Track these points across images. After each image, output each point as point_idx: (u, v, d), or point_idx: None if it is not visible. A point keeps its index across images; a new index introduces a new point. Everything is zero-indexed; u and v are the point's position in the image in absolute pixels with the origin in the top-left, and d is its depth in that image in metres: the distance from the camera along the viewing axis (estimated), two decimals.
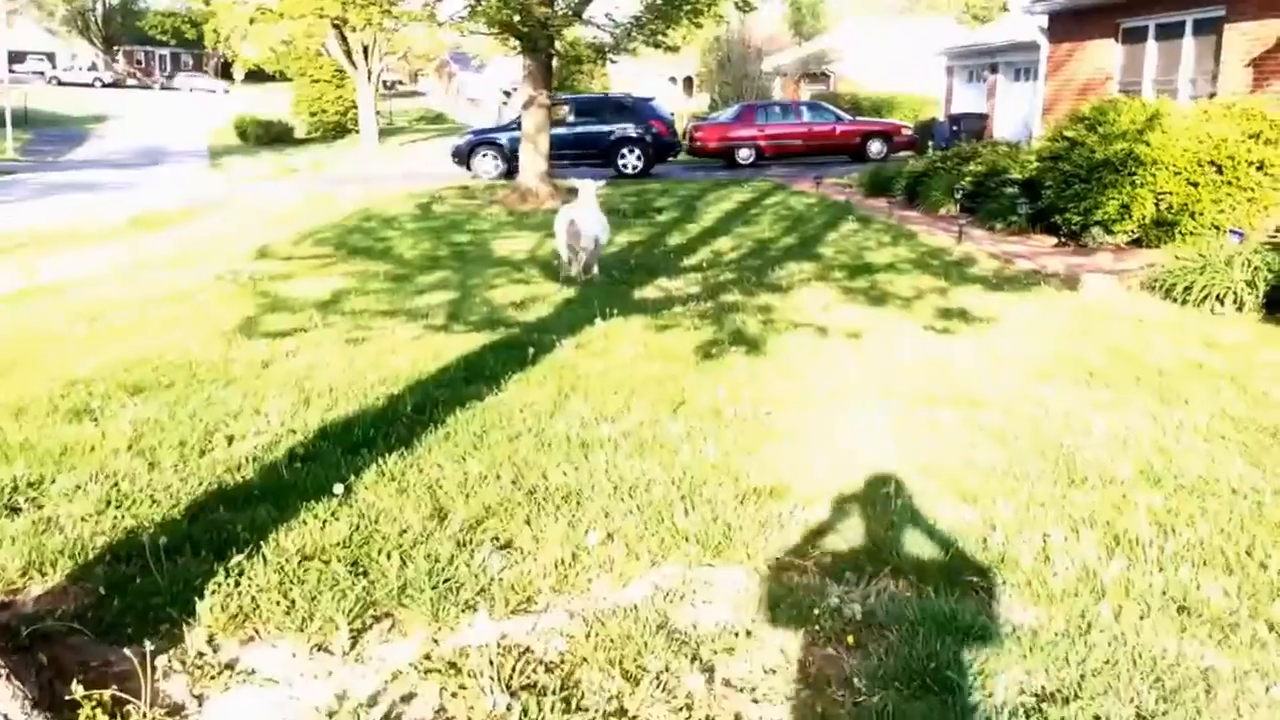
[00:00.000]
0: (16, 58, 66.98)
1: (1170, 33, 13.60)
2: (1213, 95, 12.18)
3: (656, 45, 15.27)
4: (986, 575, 3.32)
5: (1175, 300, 7.69)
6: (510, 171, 20.45)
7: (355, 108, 37.11)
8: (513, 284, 8.95)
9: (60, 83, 64.81)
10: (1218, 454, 4.33)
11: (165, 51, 77.99)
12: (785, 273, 9.46)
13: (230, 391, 5.43)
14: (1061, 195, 10.95)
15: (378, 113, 38.78)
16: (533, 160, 15.33)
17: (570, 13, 14.84)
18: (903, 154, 23.88)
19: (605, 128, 21.49)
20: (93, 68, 69.65)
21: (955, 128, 22.79)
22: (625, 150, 21.35)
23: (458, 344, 6.57)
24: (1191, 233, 10.10)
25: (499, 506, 3.87)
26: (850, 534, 3.64)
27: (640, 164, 21.35)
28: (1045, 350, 6.41)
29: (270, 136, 39.16)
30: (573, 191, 16.45)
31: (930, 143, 24.45)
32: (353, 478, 4.11)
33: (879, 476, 4.12)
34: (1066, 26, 15.83)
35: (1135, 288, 8.31)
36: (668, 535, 3.62)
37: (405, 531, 3.67)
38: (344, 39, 34.21)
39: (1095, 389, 5.48)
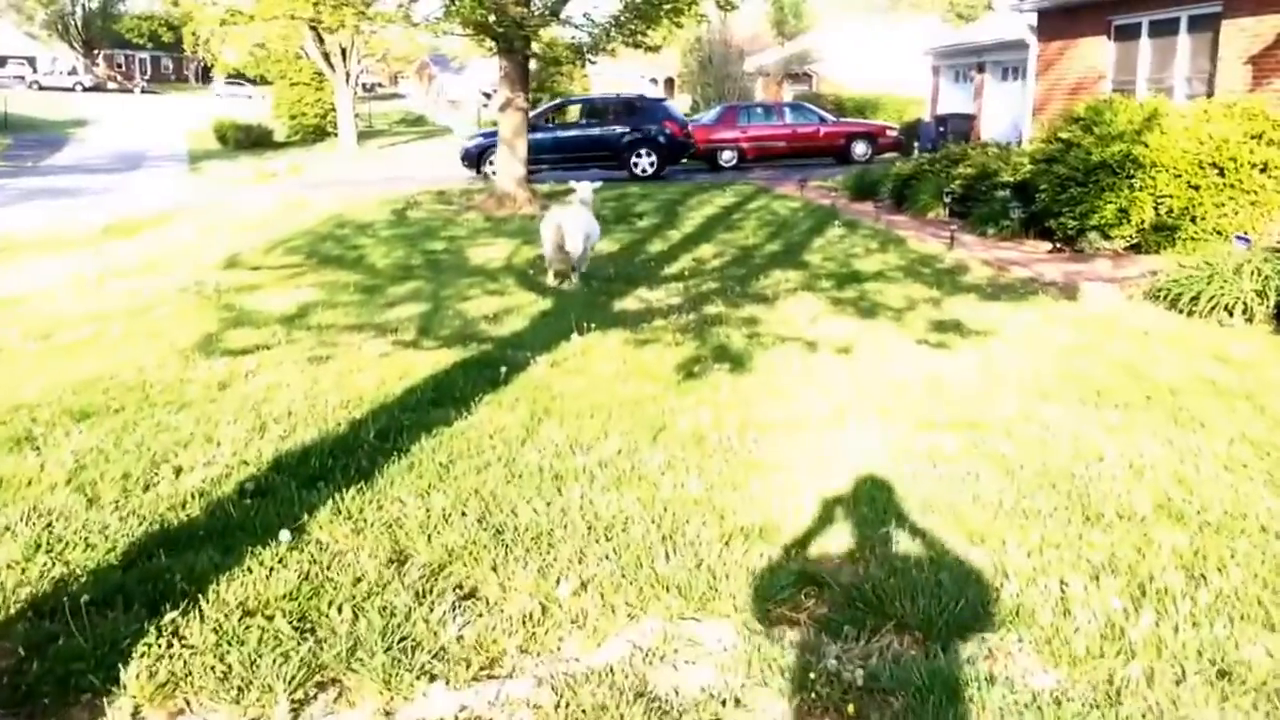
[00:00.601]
0: None
1: (1164, 29, 13.36)
2: (1210, 94, 11.94)
3: (636, 45, 14.94)
4: (1000, 631, 3.00)
5: (1181, 311, 7.41)
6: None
7: (335, 110, 36.66)
8: (487, 295, 8.60)
9: (41, 87, 64.14)
10: (1241, 485, 4.03)
11: (145, 55, 77.45)
12: (771, 282, 9.14)
13: (183, 417, 5.07)
14: (1056, 199, 10.68)
15: (357, 115, 38.33)
16: (510, 165, 14.96)
17: (547, 12, 14.49)
18: (888, 155, 23.67)
19: (617, 129, 20.91)
20: (73, 72, 68.93)
21: (941, 128, 22.55)
22: (638, 152, 20.74)
23: (427, 362, 6.22)
24: (1192, 238, 9.85)
25: (463, 549, 3.53)
26: (848, 580, 3.32)
27: (653, 166, 20.75)
28: (1047, 366, 6.11)
29: (250, 140, 38.60)
30: (551, 196, 16.30)
31: (915, 144, 24.25)
32: (306, 516, 3.76)
33: (878, 513, 3.80)
34: (1057, 24, 15.60)
35: (1138, 297, 8.03)
36: (647, 584, 3.29)
37: (360, 580, 3.33)
38: (321, 41, 33.78)
39: (1103, 410, 5.18)
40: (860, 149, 23.17)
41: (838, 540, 3.59)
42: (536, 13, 14.21)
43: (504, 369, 5.92)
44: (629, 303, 8.28)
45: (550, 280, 9.13)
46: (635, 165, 20.70)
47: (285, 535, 3.47)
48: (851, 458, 4.46)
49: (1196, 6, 12.81)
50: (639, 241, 11.65)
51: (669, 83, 46.22)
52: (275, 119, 41.32)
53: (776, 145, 23.30)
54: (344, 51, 34.77)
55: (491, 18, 13.56)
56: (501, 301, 8.29)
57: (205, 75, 71.20)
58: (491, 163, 20.22)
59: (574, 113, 22.25)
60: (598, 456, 4.49)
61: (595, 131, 20.99)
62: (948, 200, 13.33)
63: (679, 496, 3.96)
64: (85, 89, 66.03)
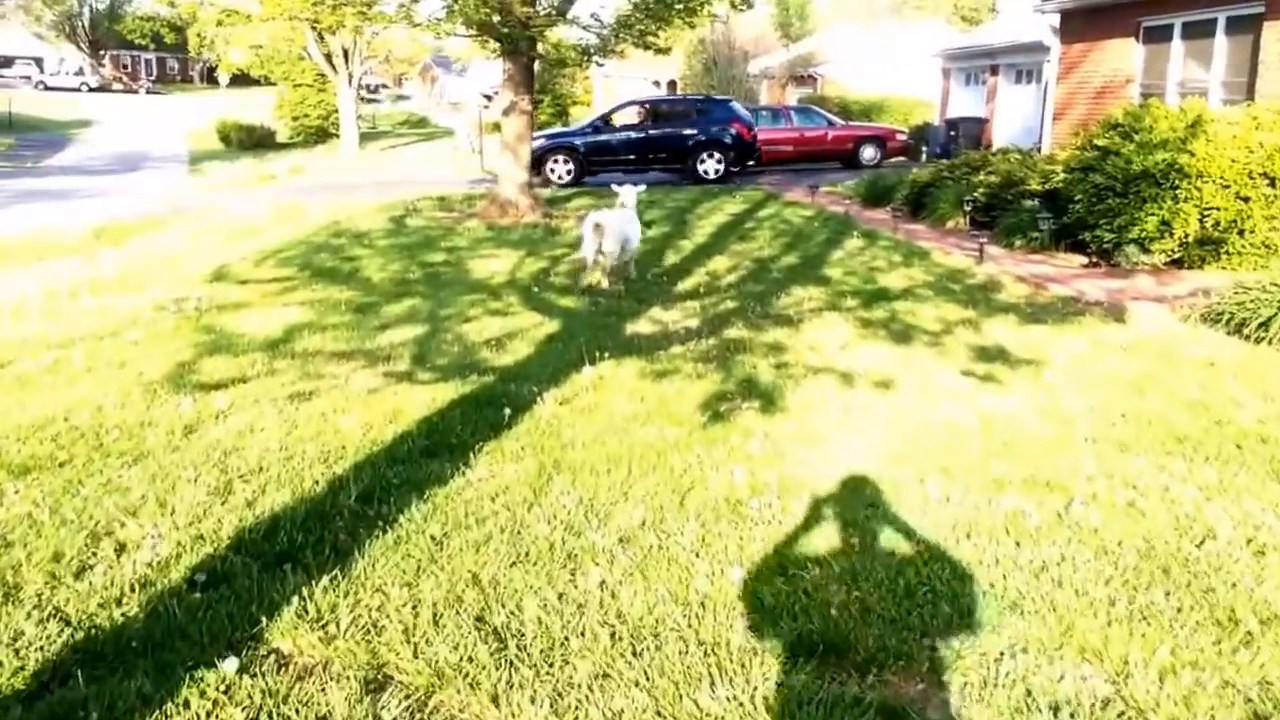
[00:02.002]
0: (4, 62, 66.02)
1: (1199, 31, 12.71)
2: (1249, 99, 11.27)
3: (646, 47, 14.27)
4: None
5: (1247, 338, 6.74)
6: (579, 177, 19.46)
7: (337, 112, 36.04)
8: (489, 315, 7.94)
9: (47, 87, 63.82)
10: None
11: (151, 56, 76.93)
12: (792, 300, 8.49)
13: (137, 472, 4.41)
14: (1092, 210, 10.02)
15: (359, 117, 37.72)
16: (512, 170, 14.29)
17: (554, 12, 13.83)
18: (896, 160, 23.03)
19: (684, 131, 20.02)
20: (79, 72, 68.52)
21: (952, 132, 21.91)
22: (705, 155, 19.84)
23: (421, 399, 5.56)
24: (1239, 252, 9.20)
25: (456, 669, 2.87)
26: (938, 718, 2.66)
27: (721, 169, 19.83)
28: (1113, 405, 5.45)
29: (252, 141, 38.12)
30: (553, 203, 15.66)
31: (924, 148, 23.63)
32: (265, 619, 3.10)
33: (961, 615, 3.14)
34: (1081, 25, 14.95)
35: (1194, 319, 7.37)
36: None
37: None
38: (323, 40, 33.13)
39: (1193, 464, 4.52)
40: (869, 153, 22.52)
41: (921, 656, 2.93)
42: (542, 13, 13.55)
43: (507, 410, 5.26)
44: (642, 325, 7.63)
45: (585, 280, 9.00)
46: (703, 169, 19.82)
47: (231, 664, 2.80)
48: (915, 534, 3.79)
49: (1235, 7, 12.16)
50: (649, 253, 10.98)
51: (672, 85, 45.52)
52: (277, 120, 40.74)
53: (784, 149, 22.65)
54: (346, 53, 34.16)
55: (496, 18, 12.91)
56: (504, 323, 7.64)
57: (210, 76, 70.60)
58: (553, 169, 19.65)
59: (637, 114, 21.33)
60: (618, 528, 3.84)
61: (660, 133, 20.17)
62: (968, 209, 12.67)
63: (719, 591, 3.30)
64: (91, 89, 65.70)
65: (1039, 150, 15.52)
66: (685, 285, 9.25)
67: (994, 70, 22.53)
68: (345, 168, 28.08)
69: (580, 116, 43.33)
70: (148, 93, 67.36)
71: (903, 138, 23.25)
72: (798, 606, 3.20)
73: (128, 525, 3.84)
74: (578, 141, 20.14)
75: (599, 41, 14.42)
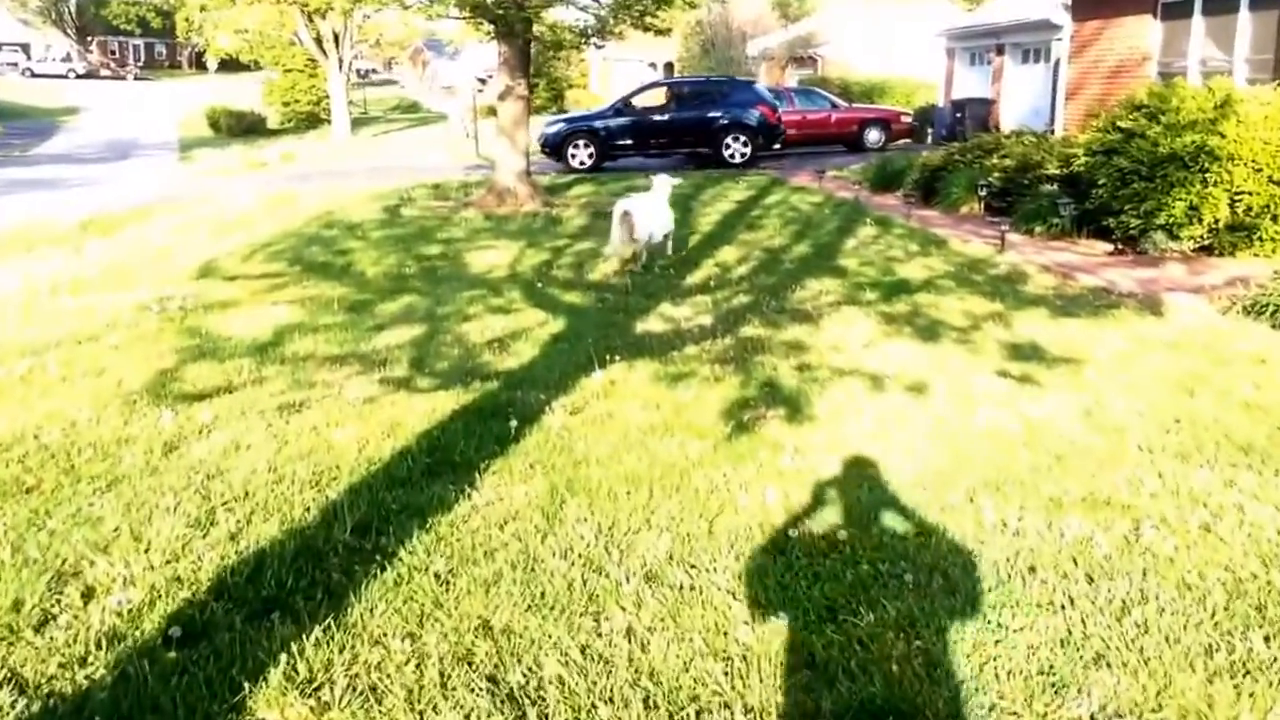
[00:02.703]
0: None
1: (1222, 8, 12.28)
2: (1277, 79, 10.85)
3: (645, 28, 13.81)
4: None
5: None
6: (600, 161, 18.97)
7: (328, 97, 35.49)
8: (490, 313, 7.54)
9: (34, 74, 63.14)
10: None
11: (139, 42, 76.17)
12: (808, 294, 8.09)
13: (110, 500, 4.02)
14: (1117, 195, 9.62)
15: (351, 102, 37.19)
16: (510, 158, 13.85)
17: None
18: (901, 143, 22.60)
19: (709, 113, 19.49)
20: (67, 59, 67.75)
21: (958, 114, 21.46)
22: (730, 138, 19.33)
23: (420, 409, 5.17)
24: (1273, 238, 8.85)
25: None
26: None
27: (747, 152, 19.33)
28: (1163, 409, 5.07)
29: (243, 128, 37.59)
30: (552, 190, 15.22)
31: (930, 130, 23.19)
32: (248, 685, 2.72)
33: (1040, 672, 2.76)
34: (1095, 2, 14.49)
35: (1237, 312, 6.98)
36: None
37: None
38: (313, 24, 32.57)
39: (1263, 477, 4.14)
40: (873, 136, 22.09)
41: None
42: None
43: (514, 422, 4.88)
44: (653, 322, 7.23)
45: (611, 266, 9.00)
46: (729, 152, 19.32)
47: None
48: (974, 567, 3.42)
49: None
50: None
51: (669, 67, 44.96)
52: (267, 106, 40.17)
53: (786, 133, 22.13)
54: (336, 37, 33.59)
55: None
56: (507, 322, 7.23)
57: (199, 62, 69.85)
58: (573, 154, 19.18)
59: (659, 97, 20.71)
60: (642, 561, 3.46)
61: (684, 116, 19.64)
62: (983, 194, 12.27)
63: (762, 643, 2.92)
64: (78, 76, 65.02)
65: (1051, 132, 15.11)
66: (694, 278, 8.85)
67: (1000, 50, 22.06)
68: (337, 154, 27.58)
69: (577, 100, 42.82)
70: (135, 79, 66.63)
71: (908, 120, 22.81)
72: (853, 661, 2.82)
73: (98, 564, 3.45)
74: (598, 125, 19.70)
75: (597, 23, 13.96)
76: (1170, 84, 10.31)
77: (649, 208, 9.09)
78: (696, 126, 19.45)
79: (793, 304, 7.73)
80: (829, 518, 3.81)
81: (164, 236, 12.27)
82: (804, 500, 3.98)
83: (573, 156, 19.28)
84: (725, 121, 19.38)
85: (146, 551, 3.57)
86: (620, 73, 42.90)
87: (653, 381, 5.71)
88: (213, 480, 4.23)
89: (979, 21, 24.19)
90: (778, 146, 20.35)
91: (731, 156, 19.29)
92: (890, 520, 3.80)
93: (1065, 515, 3.83)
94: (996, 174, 11.99)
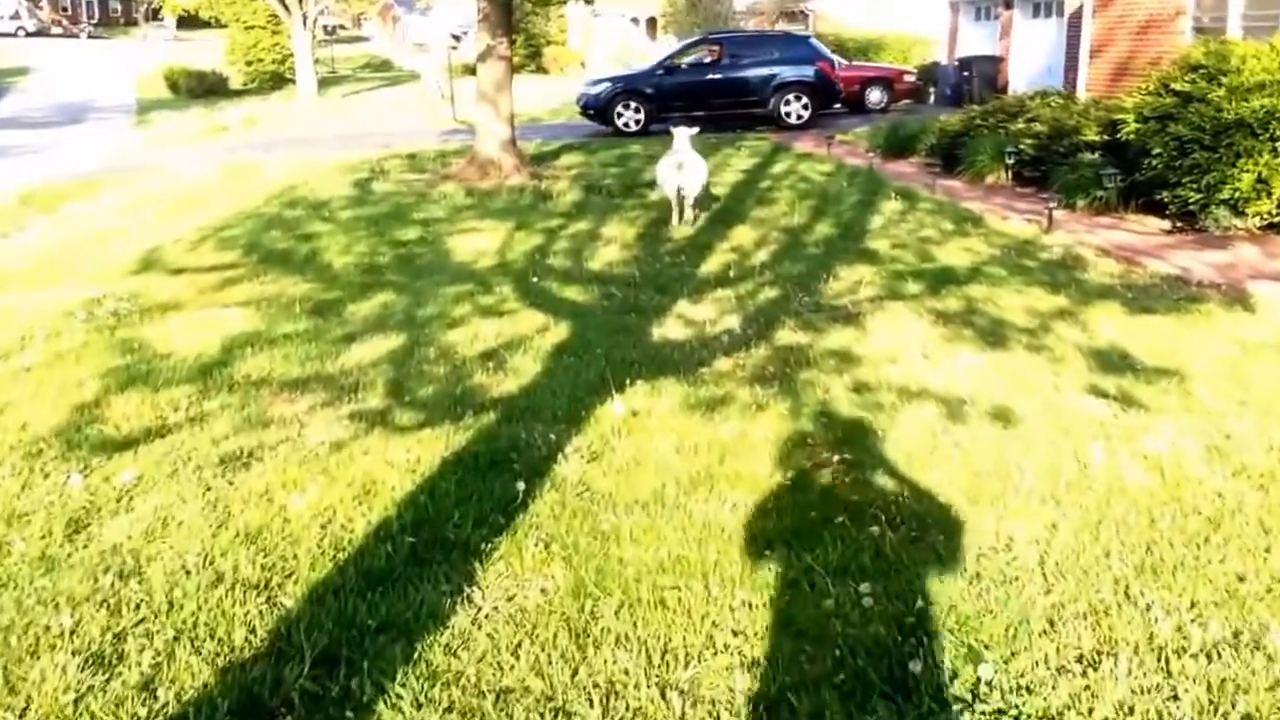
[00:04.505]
0: None
1: None
2: None
3: None
4: None
5: None
6: (648, 124, 17.69)
7: (293, 56, 33.82)
8: (481, 315, 6.48)
9: None
10: None
11: None
12: (843, 285, 7.08)
13: None
14: (1173, 166, 8.63)
15: (318, 61, 35.53)
16: (493, 125, 12.66)
17: None
18: (904, 104, 21.50)
19: (765, 71, 18.17)
20: (15, 16, 64.96)
21: (965, 73, 20.35)
22: (790, 97, 18.10)
23: (401, 459, 4.14)
24: None
25: None
26: None
27: (806, 114, 18.11)
28: None
29: (203, 89, 35.79)
30: (539, 160, 14.05)
31: (932, 90, 22.11)
32: None
33: None
34: None
35: None
36: None
37: None
38: None
39: None
40: (875, 96, 20.95)
41: None
42: None
43: (521, 481, 3.86)
44: (670, 326, 6.19)
45: (676, 221, 9.25)
46: (786, 112, 18.11)
47: None
48: (1156, 701, 2.46)
49: None
50: (658, 223, 9.50)
51: (651, 22, 43.41)
52: (229, 65, 38.38)
53: None
54: None
55: None
56: (500, 327, 6.18)
57: (156, 17, 67.34)
58: (620, 115, 17.97)
59: (709, 54, 19.19)
60: (712, 710, 2.47)
61: (738, 74, 18.29)
62: (1011, 163, 11.26)
63: None
64: (28, 34, 62.41)
65: (1071, 92, 14.07)
66: (710, 266, 7.80)
67: (1008, 3, 20.90)
68: (303, 117, 26.13)
69: (555, 58, 41.24)
70: (89, 37, 64.11)
71: (912, 79, 21.69)
72: None
73: None
74: (647, 86, 18.41)
75: None
76: (1225, 42, 9.28)
77: (690, 159, 9.12)
78: (752, 86, 18.18)
79: (828, 299, 6.72)
80: (959, 631, 2.83)
81: (107, 216, 11.08)
82: (908, 600, 3.00)
83: (619, 118, 18.03)
84: (784, 80, 18.15)
85: (22, 716, 2.54)
86: (602, 28, 41.34)
87: (683, 410, 4.71)
88: (126, 582, 3.20)
89: None
90: (838, 106, 19.12)
91: (788, 117, 18.10)
92: (1040, 645, 2.83)
93: (1255, 617, 2.87)
94: (1028, 141, 10.96)
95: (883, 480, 3.91)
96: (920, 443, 4.28)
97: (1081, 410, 4.66)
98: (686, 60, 19.03)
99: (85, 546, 3.44)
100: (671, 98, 17.98)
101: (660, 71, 18.70)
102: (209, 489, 3.86)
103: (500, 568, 3.31)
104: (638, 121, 18.03)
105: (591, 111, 18.58)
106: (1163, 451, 4.16)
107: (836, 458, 4.13)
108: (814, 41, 19.64)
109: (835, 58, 19.84)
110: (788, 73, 18.20)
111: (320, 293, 7.06)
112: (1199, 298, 6.57)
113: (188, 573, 3.24)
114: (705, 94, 18.16)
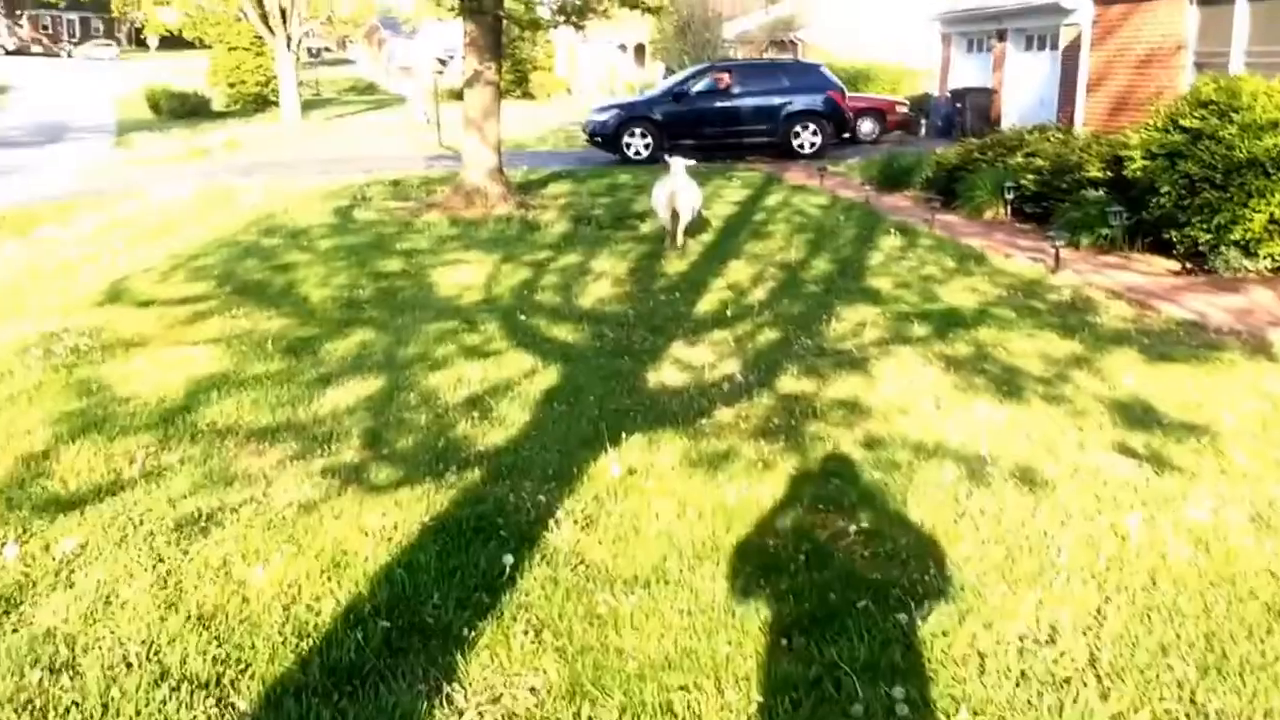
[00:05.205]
0: None
1: None
2: None
3: (634, 6, 12.37)
4: None
5: None
6: (656, 153, 17.06)
7: (277, 78, 33.52)
8: (465, 356, 6.11)
9: None
10: None
11: (74, 16, 73.01)
12: (846, 327, 6.75)
13: None
14: (1183, 205, 8.38)
15: (302, 83, 35.27)
16: (480, 152, 12.32)
17: None
18: (894, 135, 21.35)
19: (776, 100, 17.87)
20: None
21: (958, 105, 20.22)
22: (800, 127, 17.82)
23: (376, 525, 3.76)
24: None
25: None
26: None
27: (818, 142, 17.84)
28: None
29: (185, 110, 35.42)
30: (525, 189, 13.72)
31: (924, 122, 21.98)
32: None
33: None
34: None
35: None
36: None
37: None
38: (259, 2, 30.64)
39: None
40: (867, 127, 20.78)
41: None
42: None
43: (508, 551, 3.49)
44: (667, 371, 5.84)
45: (669, 244, 9.47)
46: (798, 143, 17.80)
47: None
48: None
49: None
50: (650, 257, 9.17)
51: (639, 49, 43.37)
52: (212, 86, 38.04)
53: None
54: (284, 13, 31.65)
55: None
56: (485, 370, 5.81)
57: (138, 37, 67.03)
58: (629, 144, 17.55)
59: (718, 81, 18.78)
60: None
61: (748, 103, 17.94)
62: (1010, 198, 11.02)
63: None
64: (8, 52, 62.07)
65: (1067, 125, 13.88)
66: (706, 305, 7.47)
67: (1001, 35, 20.79)
68: (286, 140, 25.79)
69: (542, 84, 41.13)
70: (69, 56, 63.71)
71: (904, 110, 21.53)
72: None
73: None
74: (656, 112, 18.02)
75: (579, 0, 12.46)
76: (1236, 78, 9.07)
77: (686, 185, 9.41)
78: (762, 114, 17.86)
79: (831, 342, 6.39)
80: None
81: (79, 241, 10.68)
82: (949, 711, 2.65)
83: (628, 146, 17.64)
84: (795, 109, 17.88)
85: None
86: (589, 55, 41.26)
87: (683, 467, 4.36)
88: (57, 678, 2.80)
89: (978, 5, 22.85)
90: (846, 136, 18.89)
91: (800, 147, 17.79)
92: None
93: None
94: (1029, 176, 10.72)
95: (906, 556, 3.56)
96: (943, 510, 3.94)
97: (1111, 473, 4.33)
98: (696, 88, 18.62)
99: (14, 631, 3.04)
100: (681, 125, 17.65)
101: (669, 99, 18.34)
102: (160, 560, 3.47)
103: (485, 659, 2.94)
104: (647, 148, 17.62)
105: (599, 139, 18.23)
106: (1205, 522, 3.83)
107: (854, 528, 3.78)
108: (824, 70, 19.33)
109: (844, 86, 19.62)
110: (799, 101, 17.97)
111: (295, 329, 6.68)
112: (1218, 345, 6.27)
113: (129, 666, 2.85)
114: (715, 122, 17.88)
